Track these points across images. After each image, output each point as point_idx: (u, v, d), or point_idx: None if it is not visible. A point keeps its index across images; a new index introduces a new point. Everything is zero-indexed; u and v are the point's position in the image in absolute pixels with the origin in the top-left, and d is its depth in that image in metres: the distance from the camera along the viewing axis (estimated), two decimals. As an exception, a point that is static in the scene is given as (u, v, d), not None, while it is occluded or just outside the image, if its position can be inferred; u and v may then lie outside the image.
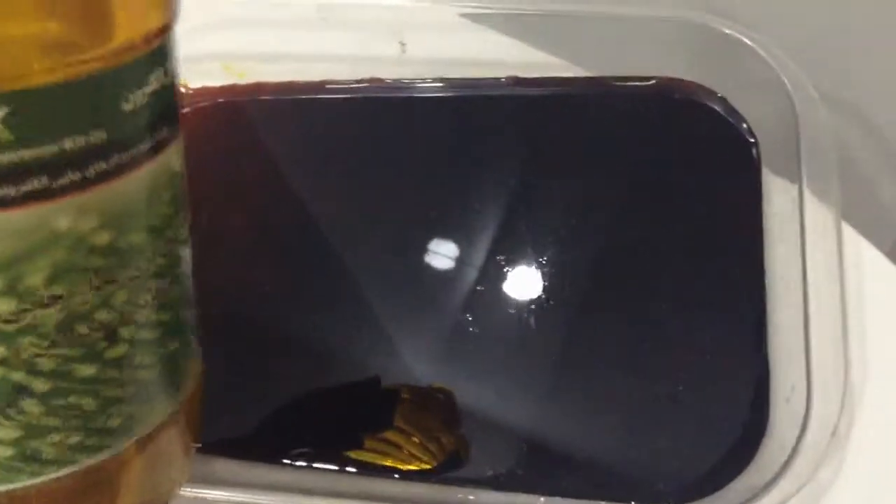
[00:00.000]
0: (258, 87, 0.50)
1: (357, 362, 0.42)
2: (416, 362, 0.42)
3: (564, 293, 0.42)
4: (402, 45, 0.48)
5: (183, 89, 0.50)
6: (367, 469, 0.40)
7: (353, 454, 0.40)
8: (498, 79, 0.47)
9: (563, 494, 0.38)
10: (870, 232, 0.41)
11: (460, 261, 0.44)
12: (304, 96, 0.50)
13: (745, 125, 0.43)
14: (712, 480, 0.37)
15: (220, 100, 0.50)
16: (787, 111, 0.40)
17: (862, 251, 0.40)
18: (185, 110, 0.50)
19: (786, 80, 0.41)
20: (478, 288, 0.43)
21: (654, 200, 0.44)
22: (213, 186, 0.48)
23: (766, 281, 0.40)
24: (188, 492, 0.37)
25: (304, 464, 0.40)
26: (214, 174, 0.48)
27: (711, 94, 0.44)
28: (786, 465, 0.35)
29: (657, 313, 0.42)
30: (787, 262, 0.39)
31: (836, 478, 0.37)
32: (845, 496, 0.36)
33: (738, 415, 0.39)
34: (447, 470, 0.39)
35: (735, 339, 0.40)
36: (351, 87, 0.49)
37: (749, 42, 0.41)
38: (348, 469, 0.40)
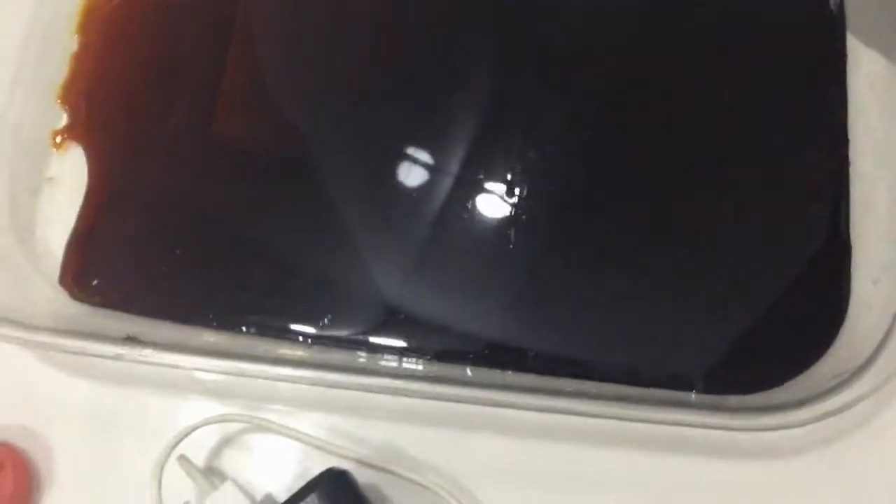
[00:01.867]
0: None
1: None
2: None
3: (628, 148, 0.38)
4: None
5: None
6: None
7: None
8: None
9: (634, 383, 0.34)
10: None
11: (484, 128, 0.38)
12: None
13: (830, -22, 0.38)
14: (787, 366, 0.34)
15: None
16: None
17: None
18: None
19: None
20: (512, 165, 0.38)
21: (728, 58, 0.39)
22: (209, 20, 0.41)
23: (851, 151, 0.36)
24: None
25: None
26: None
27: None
28: (876, 351, 0.31)
29: (723, 181, 0.37)
30: (878, 130, 0.35)
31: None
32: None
33: (816, 297, 0.35)
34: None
35: (814, 212, 0.36)
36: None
37: None
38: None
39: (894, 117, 0.34)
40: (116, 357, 0.33)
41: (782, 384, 0.34)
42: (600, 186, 0.37)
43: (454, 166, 0.38)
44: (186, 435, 0.33)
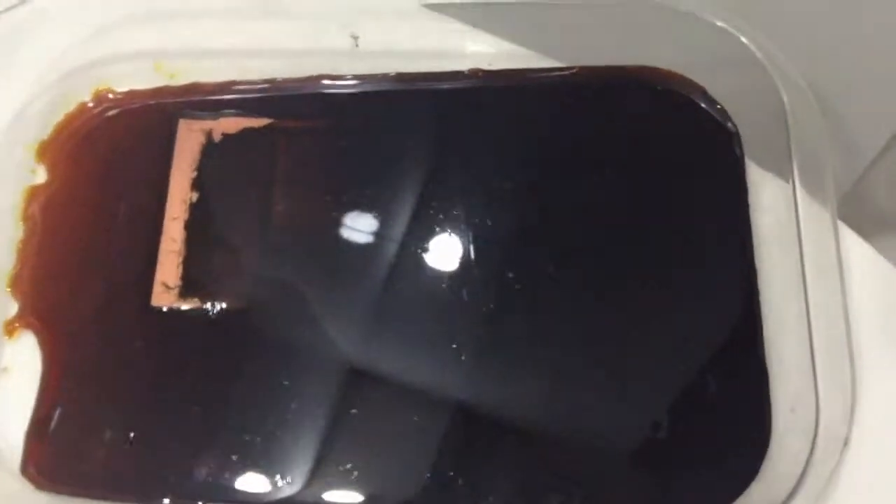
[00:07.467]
0: (193, 88, 0.45)
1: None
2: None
3: (543, 301, 0.40)
4: (355, 38, 0.44)
5: (111, 94, 0.45)
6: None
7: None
8: (460, 71, 0.44)
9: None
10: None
11: (417, 260, 0.41)
12: (244, 96, 0.45)
13: (727, 117, 0.41)
14: (720, 497, 0.36)
15: (151, 102, 0.46)
16: (774, 103, 0.38)
17: (853, 247, 0.39)
18: (113, 112, 0.45)
19: (771, 71, 0.39)
20: (441, 285, 0.41)
21: (633, 196, 0.41)
22: (143, 193, 0.43)
23: (759, 283, 0.39)
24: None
25: None
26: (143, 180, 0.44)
27: (691, 84, 0.42)
28: (801, 477, 0.34)
29: (640, 324, 0.39)
30: (782, 262, 0.38)
31: (851, 488, 0.36)
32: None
33: (739, 428, 0.37)
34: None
35: (729, 347, 0.38)
36: (296, 85, 0.45)
37: (732, 30, 0.39)
38: None
39: (794, 249, 0.36)
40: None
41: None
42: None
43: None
44: None
